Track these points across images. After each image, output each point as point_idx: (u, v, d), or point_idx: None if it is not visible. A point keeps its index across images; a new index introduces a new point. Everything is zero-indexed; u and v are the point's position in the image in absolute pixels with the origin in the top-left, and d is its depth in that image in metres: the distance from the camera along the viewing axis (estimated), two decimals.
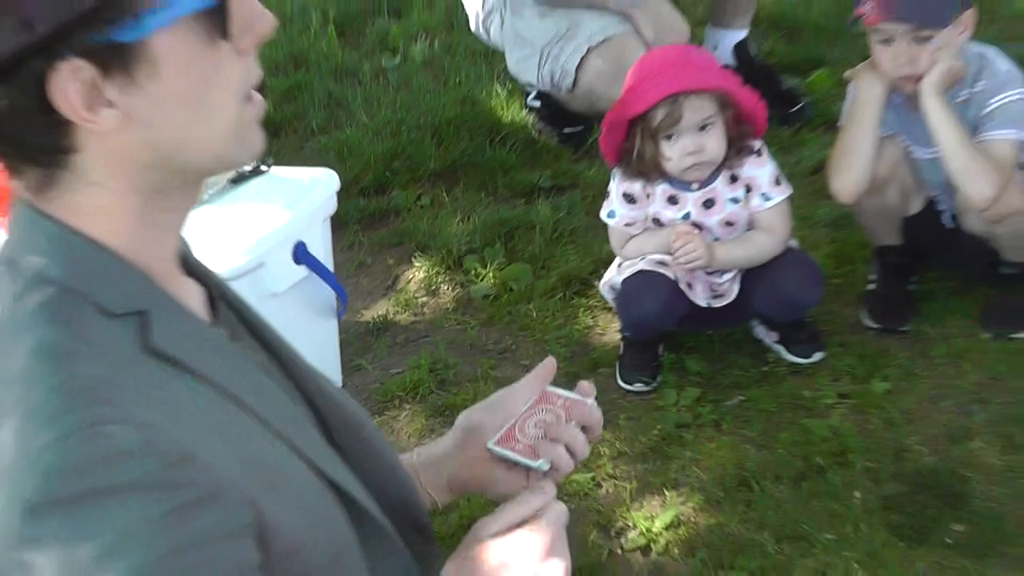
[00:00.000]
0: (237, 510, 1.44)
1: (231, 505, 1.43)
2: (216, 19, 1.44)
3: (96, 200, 1.50)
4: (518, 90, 4.68)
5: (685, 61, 3.48)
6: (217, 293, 1.76)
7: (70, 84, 1.36)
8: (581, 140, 4.51)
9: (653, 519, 3.20)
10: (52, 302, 1.46)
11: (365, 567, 1.68)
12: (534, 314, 3.90)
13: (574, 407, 2.00)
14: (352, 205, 4.26)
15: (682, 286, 3.51)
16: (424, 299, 4.05)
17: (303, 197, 3.54)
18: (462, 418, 2.05)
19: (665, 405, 3.52)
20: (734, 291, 3.57)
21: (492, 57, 4.67)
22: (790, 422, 3.43)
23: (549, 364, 2.07)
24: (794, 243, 3.61)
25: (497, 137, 4.63)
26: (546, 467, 1.91)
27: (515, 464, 1.96)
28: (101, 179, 1.48)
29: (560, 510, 1.78)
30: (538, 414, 1.99)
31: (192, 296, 1.67)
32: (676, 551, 3.13)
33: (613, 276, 3.63)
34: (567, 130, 4.51)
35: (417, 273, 4.14)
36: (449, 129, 4.65)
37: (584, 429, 1.97)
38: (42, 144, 1.44)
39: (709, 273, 3.54)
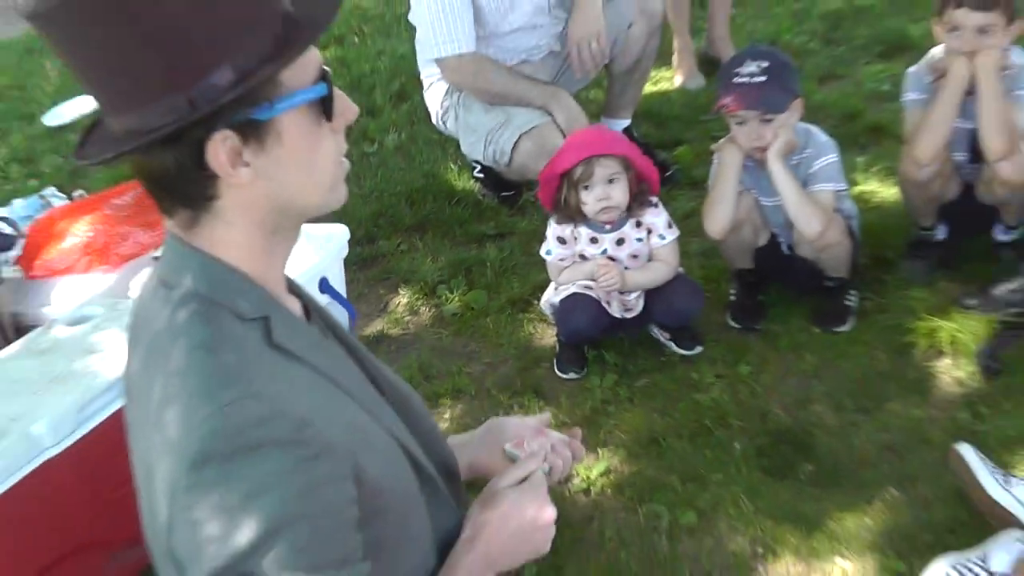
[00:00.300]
0: (342, 461, 1.51)
1: (338, 457, 1.50)
2: (323, 107, 1.57)
3: (229, 235, 1.56)
4: (467, 165, 4.70)
5: (599, 135, 3.61)
6: (311, 305, 1.82)
7: (220, 149, 1.44)
8: (515, 200, 4.54)
9: (591, 469, 3.25)
10: (201, 311, 1.54)
11: (422, 503, 1.74)
12: (490, 326, 3.95)
13: (570, 440, 2.12)
14: (351, 252, 4.25)
15: (603, 303, 3.58)
16: (409, 318, 4.10)
17: (324, 246, 3.55)
18: (489, 423, 2.15)
19: (591, 387, 3.59)
20: (640, 306, 3.63)
21: (446, 143, 4.73)
22: (683, 396, 3.49)
23: (535, 422, 2.15)
24: (680, 270, 3.68)
25: (453, 200, 4.67)
26: (554, 479, 2.02)
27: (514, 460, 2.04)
28: (233, 219, 1.55)
29: (543, 474, 1.92)
30: (538, 437, 2.07)
31: (294, 307, 1.73)
32: (609, 492, 3.20)
33: (551, 296, 3.69)
34: (504, 193, 4.55)
35: (402, 299, 4.18)
36: (418, 195, 4.70)
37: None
38: (194, 192, 1.51)
39: (622, 293, 3.60)
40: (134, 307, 1.69)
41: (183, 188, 1.51)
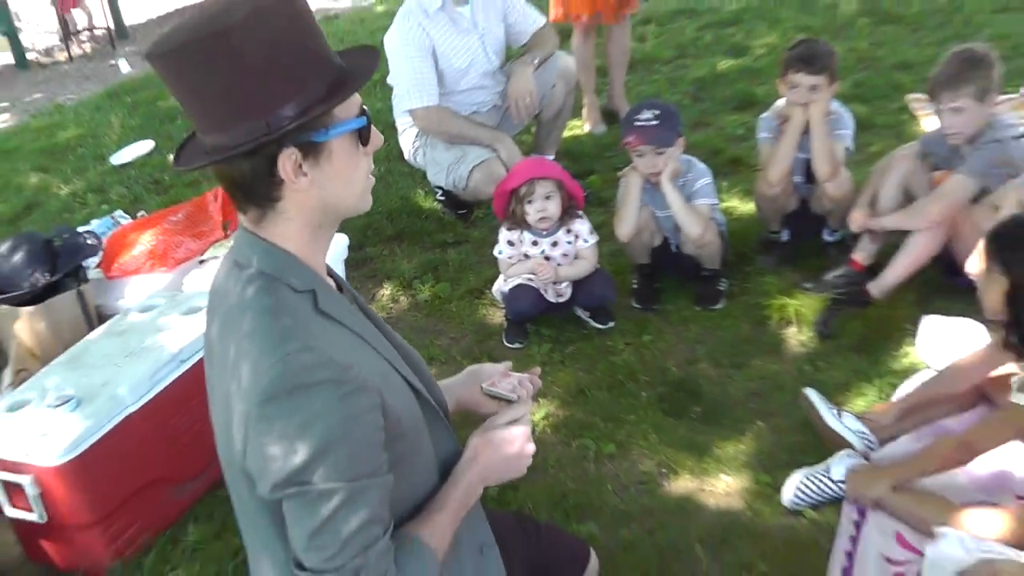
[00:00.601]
0: (374, 395, 1.53)
1: (371, 392, 1.53)
2: (362, 135, 1.60)
3: (288, 229, 1.59)
4: (431, 191, 4.66)
5: (540, 163, 3.59)
6: (341, 283, 1.82)
7: (287, 161, 1.51)
8: (468, 216, 4.51)
9: (534, 414, 3.23)
10: (265, 285, 1.56)
11: (426, 430, 1.75)
12: (454, 310, 3.92)
13: (531, 377, 2.09)
14: (347, 256, 4.23)
15: (541, 291, 3.57)
16: (391, 305, 4.06)
17: (332, 249, 3.49)
18: (468, 369, 2.12)
19: (532, 354, 3.57)
20: (568, 292, 3.63)
21: (415, 174, 4.69)
22: (601, 359, 3.49)
23: (503, 367, 2.10)
24: (598, 266, 3.68)
25: (422, 216, 4.63)
26: (515, 399, 1.99)
27: (496, 398, 2.03)
28: (292, 216, 1.58)
29: (529, 418, 1.89)
30: (507, 379, 2.04)
31: (331, 284, 1.72)
32: (549, 431, 3.20)
33: (501, 286, 3.68)
34: (460, 211, 4.50)
35: (386, 291, 4.13)
36: (395, 213, 4.65)
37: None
38: (264, 194, 1.55)
39: (555, 283, 3.59)
40: (213, 283, 1.70)
41: (256, 190, 1.54)
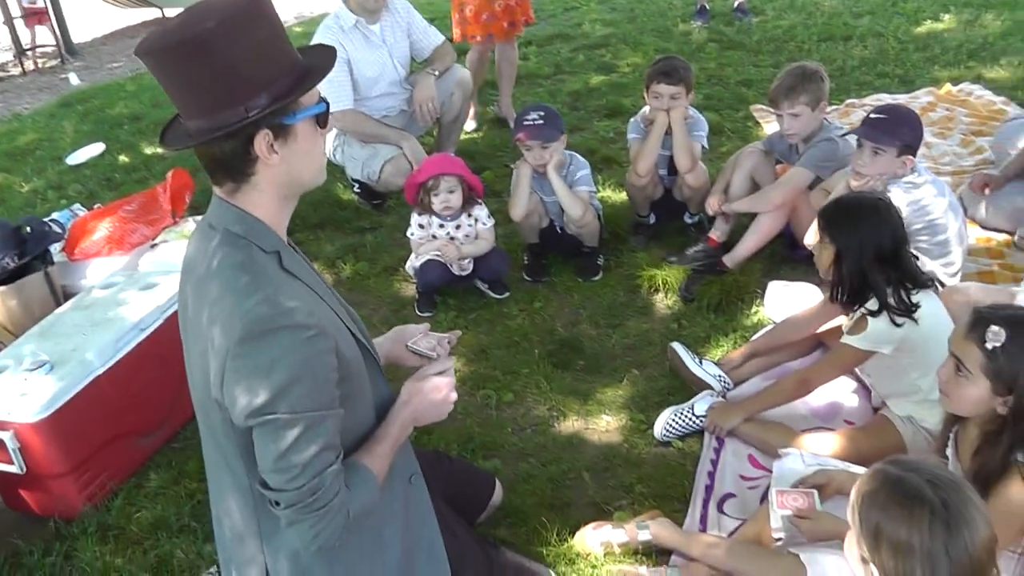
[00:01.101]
0: (330, 340, 1.56)
1: (328, 337, 1.56)
2: (320, 119, 1.64)
3: (259, 199, 1.61)
4: (350, 184, 4.56)
5: (446, 160, 3.54)
6: (295, 248, 1.80)
7: (262, 141, 1.53)
8: (382, 206, 4.44)
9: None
10: (238, 245, 1.58)
11: (366, 373, 1.77)
12: (372, 285, 3.84)
13: (450, 337, 2.14)
14: None
15: (447, 266, 3.53)
16: None
17: None
18: (395, 328, 2.15)
19: (440, 321, 3.51)
20: (470, 267, 3.59)
21: (336, 170, 4.53)
22: (499, 323, 3.48)
23: (423, 327, 2.14)
24: (495, 245, 3.65)
25: (342, 206, 4.53)
26: (434, 356, 2.05)
27: (417, 353, 2.07)
28: (263, 189, 1.60)
29: (452, 371, 1.96)
30: (427, 338, 2.09)
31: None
32: (457, 383, 3.04)
33: (413, 262, 3.61)
34: (375, 202, 4.43)
35: None
36: (319, 204, 4.52)
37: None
38: (240, 169, 1.58)
39: (460, 259, 3.55)
40: (186, 251, 1.72)
41: (234, 166, 1.57)
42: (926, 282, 2.47)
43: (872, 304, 2.42)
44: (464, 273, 3.59)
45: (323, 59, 1.65)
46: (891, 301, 2.40)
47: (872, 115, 3.01)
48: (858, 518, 1.50)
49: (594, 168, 4.58)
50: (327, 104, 1.63)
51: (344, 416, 1.64)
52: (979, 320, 1.87)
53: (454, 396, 1.92)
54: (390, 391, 1.92)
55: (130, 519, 2.68)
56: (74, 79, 8.13)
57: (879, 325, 2.41)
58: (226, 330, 1.51)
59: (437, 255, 3.48)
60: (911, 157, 2.95)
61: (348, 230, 4.32)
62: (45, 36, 9.42)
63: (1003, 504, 1.82)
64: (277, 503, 1.58)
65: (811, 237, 3.27)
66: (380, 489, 1.74)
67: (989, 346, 1.83)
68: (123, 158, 5.55)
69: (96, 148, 5.76)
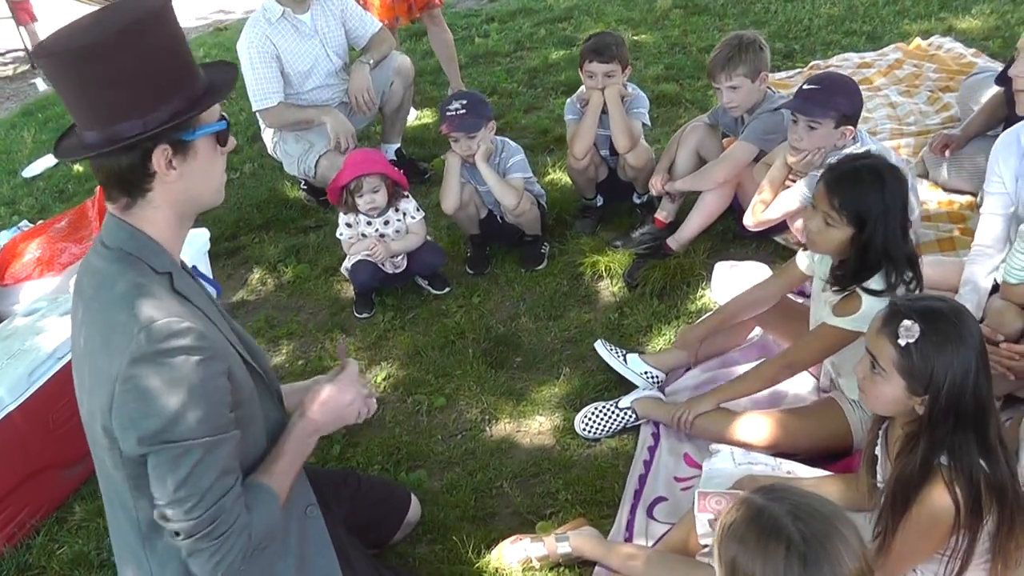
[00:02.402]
0: (223, 362, 1.52)
1: (221, 359, 1.52)
2: (220, 137, 1.63)
3: (154, 216, 1.57)
4: (297, 182, 4.44)
5: (367, 158, 3.36)
6: (189, 273, 1.78)
7: (161, 156, 1.52)
8: (328, 202, 4.27)
9: (377, 375, 3.11)
10: (131, 264, 1.55)
11: (256, 398, 1.72)
12: (312, 288, 3.72)
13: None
14: (221, 246, 4.03)
15: (379, 265, 3.40)
16: (259, 287, 3.83)
17: (193, 243, 3.39)
18: (314, 381, 1.99)
19: (377, 322, 3.40)
20: (404, 264, 3.47)
21: (281, 167, 4.40)
22: (436, 322, 3.35)
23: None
24: (429, 238, 3.52)
25: (288, 205, 4.41)
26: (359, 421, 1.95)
27: None
28: (159, 205, 1.56)
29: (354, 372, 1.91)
30: None
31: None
32: (388, 390, 3.06)
33: (347, 264, 3.48)
34: (321, 198, 4.28)
35: (255, 275, 3.90)
36: (264, 204, 4.42)
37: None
38: (136, 185, 1.54)
39: (391, 257, 3.42)
40: (81, 264, 1.67)
41: (130, 181, 1.53)
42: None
43: (876, 283, 2.20)
44: (398, 271, 3.46)
45: (224, 77, 1.65)
46: (904, 278, 2.19)
47: (804, 86, 2.84)
48: (718, 551, 1.38)
49: (546, 149, 4.48)
50: (227, 122, 1.62)
51: (243, 441, 1.62)
52: (893, 314, 1.73)
53: (351, 396, 1.86)
54: (282, 416, 1.87)
55: (52, 556, 2.57)
56: (41, 84, 7.98)
57: (875, 305, 2.13)
58: (117, 353, 1.46)
59: (367, 255, 3.34)
60: (851, 127, 2.78)
61: (292, 230, 4.20)
62: (14, 40, 9.19)
63: (927, 509, 1.70)
64: (177, 534, 1.54)
65: (749, 219, 3.13)
66: (281, 509, 1.71)
67: (902, 342, 1.69)
68: (77, 167, 5.42)
69: (51, 159, 5.64)
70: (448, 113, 3.29)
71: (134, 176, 1.52)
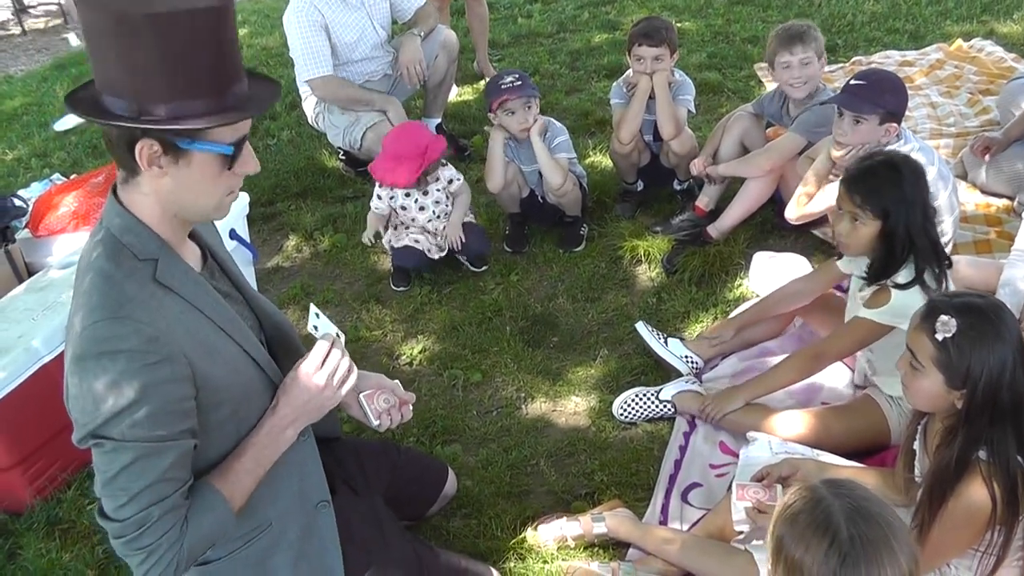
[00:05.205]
0: (181, 367, 1.44)
1: (178, 364, 1.44)
2: (228, 160, 1.49)
3: (144, 200, 1.50)
4: (335, 152, 4.44)
5: (407, 143, 3.29)
6: (208, 251, 1.71)
7: (145, 148, 1.43)
8: (366, 173, 4.26)
9: (413, 348, 3.12)
10: (110, 249, 1.48)
11: (264, 395, 1.67)
12: (348, 258, 3.73)
13: (404, 401, 1.97)
14: (257, 211, 4.03)
15: (425, 252, 3.39)
16: (295, 255, 3.84)
17: (232, 206, 3.29)
18: (374, 374, 1.99)
19: (414, 295, 3.40)
20: (446, 248, 3.42)
21: (320, 137, 4.45)
22: (473, 298, 3.35)
23: (404, 394, 1.99)
24: (474, 221, 3.50)
25: (325, 175, 4.41)
26: (381, 430, 1.93)
27: (363, 409, 1.91)
28: (146, 192, 1.49)
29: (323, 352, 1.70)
30: (385, 393, 1.94)
31: (189, 253, 1.62)
32: (424, 363, 3.06)
33: (392, 240, 3.45)
34: (360, 169, 4.29)
35: (291, 242, 3.91)
36: (302, 172, 4.42)
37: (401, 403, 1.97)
38: (127, 163, 1.48)
39: (436, 243, 3.41)
40: (88, 237, 1.61)
41: (120, 156, 1.47)
42: (946, 254, 2.30)
43: (904, 276, 2.23)
44: (442, 254, 3.43)
45: (262, 97, 1.51)
46: (932, 271, 2.23)
47: (852, 81, 2.81)
48: (771, 527, 1.39)
49: (587, 132, 4.47)
50: (237, 150, 1.48)
51: (214, 446, 1.58)
52: (931, 310, 1.74)
53: (319, 381, 1.67)
54: None
55: (82, 511, 2.56)
56: (73, 40, 7.99)
57: (904, 299, 2.21)
58: (72, 342, 1.44)
59: (416, 240, 3.34)
60: (895, 124, 2.76)
61: (330, 199, 4.20)
62: None
63: (963, 503, 1.71)
64: (107, 531, 1.50)
65: (792, 212, 3.11)
66: (236, 512, 1.60)
67: (939, 337, 1.70)
68: None
69: None
70: (504, 86, 3.27)
71: (123, 153, 1.45)
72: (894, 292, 2.24)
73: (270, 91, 1.55)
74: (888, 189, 2.21)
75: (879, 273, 2.29)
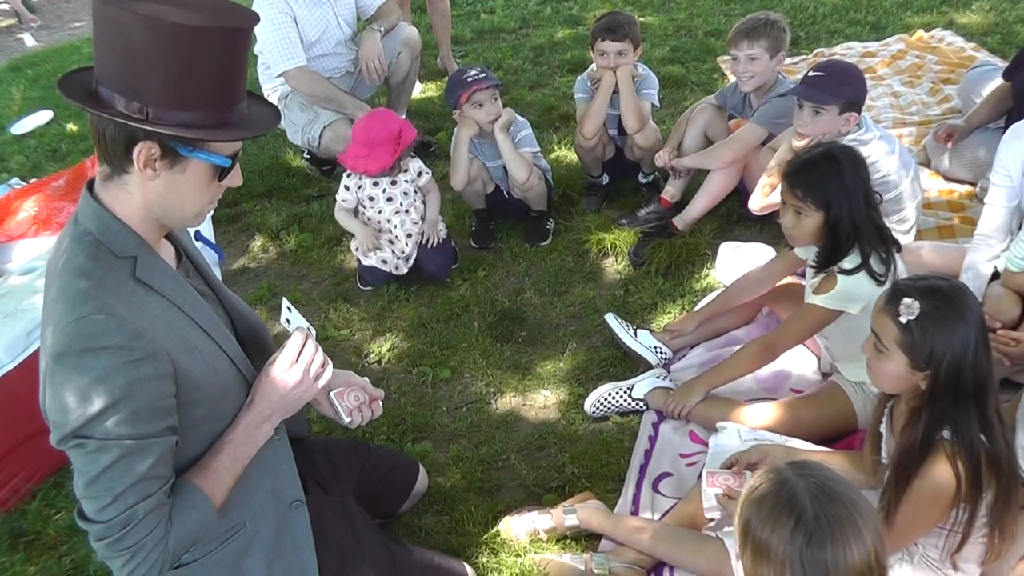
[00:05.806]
0: (164, 364, 1.43)
1: (161, 361, 1.43)
2: (221, 173, 1.53)
3: (127, 200, 1.50)
4: (300, 150, 4.41)
5: (378, 131, 3.18)
6: (182, 250, 1.72)
7: (144, 149, 1.44)
8: (331, 172, 4.28)
9: (382, 346, 3.10)
10: (88, 246, 1.47)
11: (240, 393, 1.67)
12: (315, 257, 3.70)
13: (374, 397, 1.97)
14: (223, 212, 4.00)
15: (391, 270, 3.35)
16: (261, 255, 3.80)
17: None
18: (342, 372, 1.99)
19: (382, 293, 3.38)
20: (412, 258, 3.36)
21: (284, 135, 4.38)
22: (441, 295, 3.34)
23: (373, 391, 1.99)
24: (444, 231, 3.44)
25: (290, 173, 4.37)
26: (352, 427, 1.91)
27: (333, 407, 1.91)
28: (133, 191, 1.49)
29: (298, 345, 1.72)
30: (355, 391, 1.94)
31: (165, 252, 1.62)
32: (393, 361, 3.05)
33: (359, 248, 3.36)
34: (324, 168, 4.27)
35: (257, 243, 3.87)
36: (267, 171, 4.37)
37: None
38: (118, 161, 1.47)
39: (399, 258, 3.35)
40: (58, 237, 1.60)
41: (113, 153, 1.46)
42: (894, 239, 2.34)
43: (850, 261, 2.27)
44: (409, 266, 3.37)
45: (262, 120, 1.56)
46: (879, 256, 2.27)
47: (811, 73, 2.84)
48: (739, 511, 1.40)
49: (551, 126, 4.47)
50: (232, 163, 1.53)
51: (193, 444, 1.57)
52: (895, 293, 1.77)
53: (295, 377, 1.69)
54: None
55: (48, 522, 2.52)
56: (29, 40, 7.86)
57: (850, 283, 2.27)
58: (52, 339, 1.40)
59: (384, 261, 3.32)
60: (855, 114, 2.79)
61: (295, 198, 4.16)
62: None
63: (929, 482, 1.73)
64: (89, 534, 1.47)
65: (756, 202, 3.14)
66: (227, 502, 1.62)
67: (903, 319, 1.73)
68: (71, 127, 5.35)
69: (43, 116, 5.55)
70: (469, 79, 3.25)
71: (116, 151, 1.44)
72: (840, 278, 2.29)
73: (269, 114, 1.60)
74: (828, 181, 2.24)
75: (826, 261, 2.33)
